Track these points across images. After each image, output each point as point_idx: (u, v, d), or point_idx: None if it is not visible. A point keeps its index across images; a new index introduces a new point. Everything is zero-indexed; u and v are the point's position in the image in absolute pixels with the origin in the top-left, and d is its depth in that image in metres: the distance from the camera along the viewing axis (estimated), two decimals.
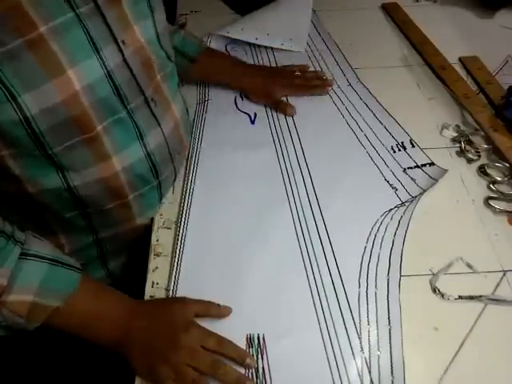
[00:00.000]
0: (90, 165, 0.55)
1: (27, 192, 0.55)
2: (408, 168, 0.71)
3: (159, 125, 0.62)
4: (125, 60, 0.55)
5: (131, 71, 0.56)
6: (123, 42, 0.54)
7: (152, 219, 0.67)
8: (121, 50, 0.54)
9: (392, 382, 0.51)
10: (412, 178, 0.70)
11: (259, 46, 0.95)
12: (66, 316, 0.52)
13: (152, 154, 0.61)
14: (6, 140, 0.49)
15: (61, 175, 0.55)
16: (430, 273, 0.59)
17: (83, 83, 0.50)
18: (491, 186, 0.68)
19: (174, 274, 0.60)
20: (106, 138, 0.55)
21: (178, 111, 0.66)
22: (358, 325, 0.55)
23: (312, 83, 0.85)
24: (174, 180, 0.71)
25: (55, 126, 0.50)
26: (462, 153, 0.73)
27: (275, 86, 0.83)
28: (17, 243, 0.50)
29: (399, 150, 0.74)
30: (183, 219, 0.65)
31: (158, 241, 0.64)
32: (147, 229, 0.68)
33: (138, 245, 0.72)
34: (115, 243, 0.67)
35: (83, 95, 0.50)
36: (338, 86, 0.86)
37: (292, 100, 0.83)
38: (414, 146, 0.74)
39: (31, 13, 0.45)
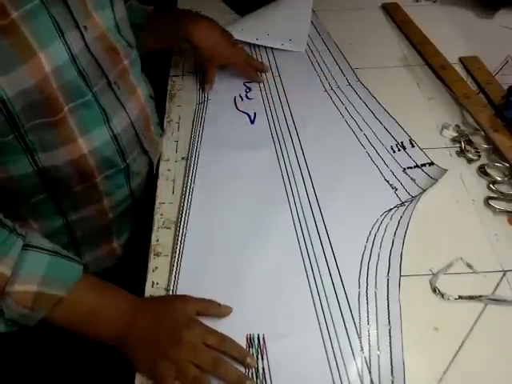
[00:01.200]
0: (57, 146, 0.57)
1: None
2: (408, 168, 0.71)
3: (124, 108, 0.64)
4: (86, 45, 0.57)
5: (93, 55, 0.58)
6: (85, 28, 0.57)
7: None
8: (83, 36, 0.57)
9: (392, 382, 0.50)
10: (412, 178, 0.70)
11: (259, 46, 0.95)
12: (68, 308, 0.53)
13: (118, 137, 0.63)
14: None
15: (30, 158, 0.56)
16: (430, 273, 0.59)
17: (52, 66, 0.52)
18: (491, 185, 0.68)
19: (173, 273, 0.60)
20: (72, 119, 0.56)
21: (143, 95, 0.68)
22: (357, 325, 0.55)
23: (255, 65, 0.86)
24: (151, 165, 0.73)
25: (28, 106, 0.52)
26: (462, 153, 0.73)
27: (229, 49, 0.82)
28: (19, 236, 0.52)
29: (399, 149, 0.74)
30: (183, 219, 0.65)
31: (157, 241, 0.64)
32: (117, 219, 0.70)
33: (111, 240, 0.73)
34: (84, 228, 0.68)
35: (52, 78, 0.53)
36: (338, 86, 0.85)
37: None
38: (413, 146, 0.74)
39: (3, 0, 0.48)
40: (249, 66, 0.85)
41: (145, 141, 0.69)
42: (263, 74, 0.88)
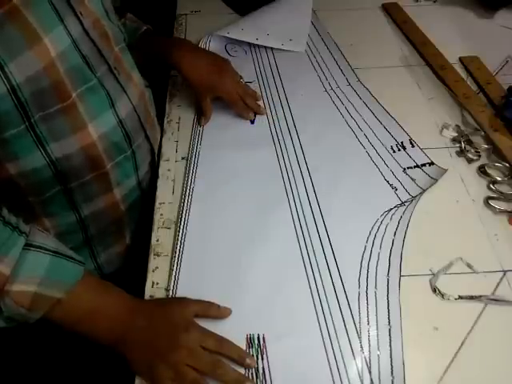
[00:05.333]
0: (68, 134, 0.57)
1: (9, 174, 0.56)
2: (408, 168, 0.71)
3: (126, 93, 0.65)
4: (85, 30, 0.58)
5: (93, 41, 0.59)
6: (81, 14, 0.58)
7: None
8: (80, 21, 0.57)
9: (392, 382, 0.51)
10: (412, 178, 0.70)
11: (259, 46, 0.95)
12: (66, 309, 0.52)
13: (124, 122, 0.64)
14: None
15: (42, 151, 0.56)
16: (430, 273, 0.59)
17: (57, 50, 0.53)
18: (491, 186, 0.68)
19: (173, 273, 0.60)
20: (81, 105, 0.57)
21: (140, 82, 0.70)
22: (357, 325, 0.55)
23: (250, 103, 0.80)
24: (153, 153, 0.74)
25: (37, 93, 0.52)
26: (461, 153, 0.73)
27: (221, 81, 0.78)
28: (21, 234, 0.51)
29: (399, 149, 0.74)
30: (183, 219, 0.65)
31: (157, 241, 0.64)
32: (127, 213, 0.70)
33: (125, 240, 0.73)
34: (98, 224, 0.68)
35: (58, 62, 0.53)
36: (338, 86, 0.85)
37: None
38: (413, 146, 0.74)
39: None
40: (239, 101, 0.79)
41: (147, 127, 0.70)
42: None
